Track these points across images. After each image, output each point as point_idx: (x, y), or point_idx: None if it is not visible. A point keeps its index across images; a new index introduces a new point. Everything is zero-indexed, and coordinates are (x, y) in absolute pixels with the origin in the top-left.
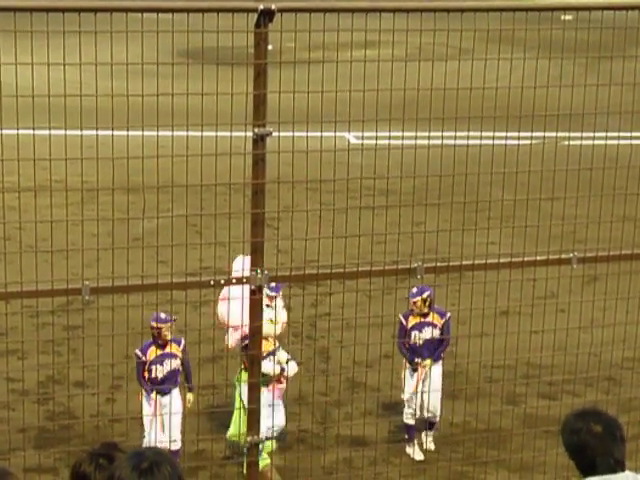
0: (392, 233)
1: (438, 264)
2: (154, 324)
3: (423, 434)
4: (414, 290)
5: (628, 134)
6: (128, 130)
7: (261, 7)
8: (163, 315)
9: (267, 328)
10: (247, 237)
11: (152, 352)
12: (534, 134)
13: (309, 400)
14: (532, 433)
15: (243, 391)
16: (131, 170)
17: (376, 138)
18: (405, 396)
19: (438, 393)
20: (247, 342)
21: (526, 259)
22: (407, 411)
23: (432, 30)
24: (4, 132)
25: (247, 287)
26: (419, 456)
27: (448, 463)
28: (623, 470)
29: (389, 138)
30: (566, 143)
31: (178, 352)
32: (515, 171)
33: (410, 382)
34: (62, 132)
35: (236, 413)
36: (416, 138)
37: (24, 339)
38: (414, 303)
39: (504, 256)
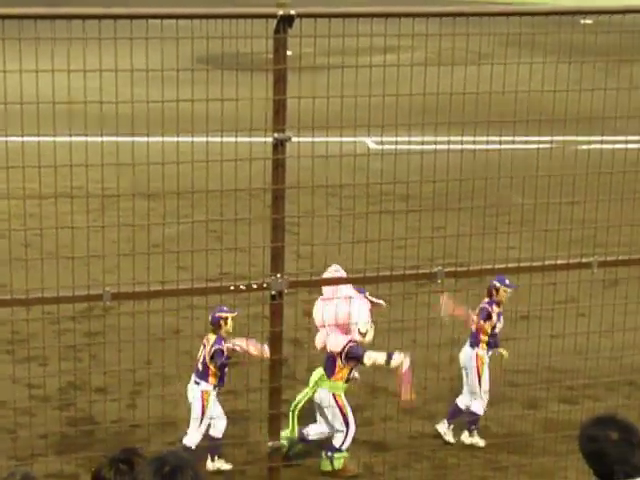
0: (412, 237)
1: (458, 269)
2: (222, 314)
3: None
4: (507, 281)
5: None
6: (148, 136)
7: (281, 13)
8: (226, 308)
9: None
10: (267, 242)
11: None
12: (554, 138)
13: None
14: (553, 438)
15: (323, 397)
16: (151, 176)
17: (396, 143)
18: (486, 386)
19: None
20: (350, 345)
21: (546, 263)
22: (485, 401)
23: (451, 35)
24: (25, 139)
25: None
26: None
27: (469, 468)
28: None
29: (409, 143)
30: (586, 147)
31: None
32: (535, 174)
33: (487, 371)
34: (83, 139)
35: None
36: (436, 143)
37: (45, 345)
38: (499, 292)
39: (524, 260)
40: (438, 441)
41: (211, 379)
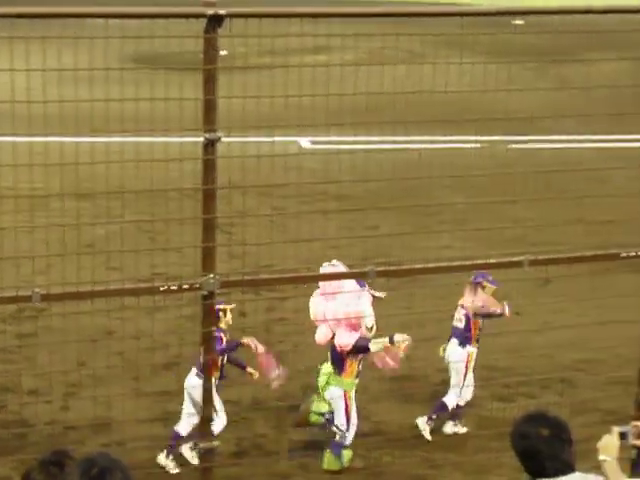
0: (345, 237)
1: (389, 268)
2: (220, 306)
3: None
4: (490, 277)
5: (579, 137)
6: (79, 136)
7: (210, 12)
8: (223, 300)
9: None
10: (199, 243)
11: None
12: (485, 138)
13: (265, 406)
14: (487, 435)
15: (335, 394)
16: (81, 176)
17: (348, 143)
18: (471, 382)
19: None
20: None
21: (478, 262)
22: (467, 396)
23: (381, 35)
24: None
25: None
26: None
27: (404, 467)
28: (572, 471)
29: (359, 142)
30: (518, 146)
31: None
32: (468, 175)
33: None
34: (10, 139)
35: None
36: (393, 142)
37: None
38: (485, 289)
39: (458, 259)
40: (373, 439)
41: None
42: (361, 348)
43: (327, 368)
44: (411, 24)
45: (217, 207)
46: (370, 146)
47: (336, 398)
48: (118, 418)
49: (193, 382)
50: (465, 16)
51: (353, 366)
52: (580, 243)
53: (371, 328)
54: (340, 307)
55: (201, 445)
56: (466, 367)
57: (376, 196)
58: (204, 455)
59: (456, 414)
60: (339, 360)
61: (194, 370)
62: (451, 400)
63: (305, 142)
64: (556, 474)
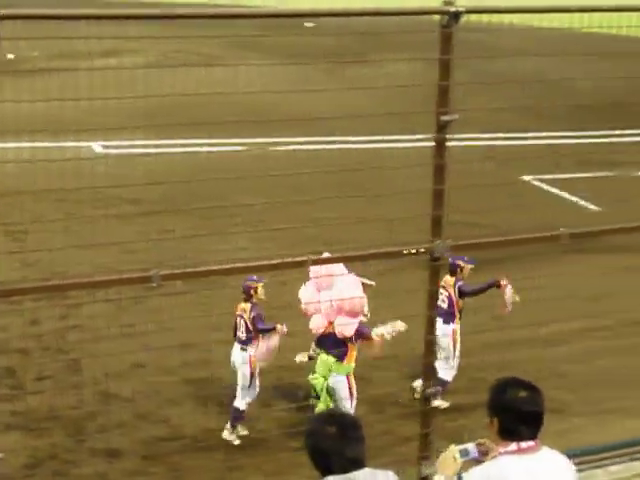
0: (137, 241)
1: (176, 271)
2: (252, 283)
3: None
4: (466, 257)
5: (367, 138)
6: None
7: None
8: (255, 277)
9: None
10: None
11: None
12: (277, 139)
13: (61, 414)
14: (286, 435)
15: (339, 382)
16: None
17: (134, 146)
18: (458, 356)
19: None
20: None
21: (262, 263)
22: (455, 370)
23: (170, 37)
24: None
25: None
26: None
27: (206, 469)
28: (361, 468)
29: (150, 146)
30: (304, 147)
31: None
32: (252, 175)
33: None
34: None
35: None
36: (183, 145)
37: None
38: (463, 269)
39: (253, 260)
40: (173, 443)
41: (255, 343)
42: (362, 334)
43: (325, 360)
44: (205, 27)
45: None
46: (162, 150)
47: (340, 383)
48: None
49: (239, 357)
50: (255, 18)
51: (354, 352)
52: (376, 240)
53: (366, 314)
54: (336, 295)
55: None
56: (454, 342)
57: (171, 200)
58: None
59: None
60: (340, 347)
61: (237, 345)
62: (447, 374)
63: (98, 147)
64: (344, 471)
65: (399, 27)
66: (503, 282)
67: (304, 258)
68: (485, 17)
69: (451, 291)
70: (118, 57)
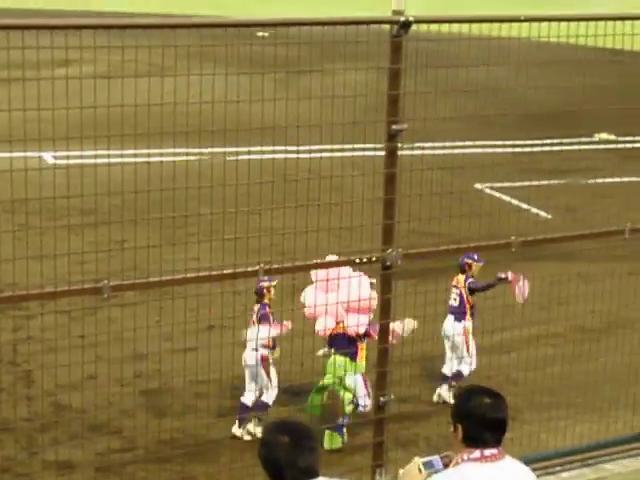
0: (89, 252)
1: (126, 282)
2: (265, 284)
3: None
4: (476, 256)
5: (319, 147)
6: None
7: None
8: (267, 277)
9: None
10: None
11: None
12: (230, 149)
13: (13, 426)
14: (240, 446)
15: (357, 380)
16: None
17: (78, 157)
18: (474, 351)
19: None
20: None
21: (214, 273)
22: (474, 365)
23: (127, 47)
24: None
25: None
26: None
27: None
28: (315, 477)
29: (101, 156)
30: (258, 157)
31: None
32: (204, 185)
33: (472, 339)
34: None
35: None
36: (134, 155)
37: None
38: (472, 267)
39: (206, 270)
40: (128, 455)
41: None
42: (371, 332)
43: (339, 360)
44: (156, 37)
45: None
46: (115, 160)
47: (358, 382)
48: None
49: (251, 359)
50: (207, 27)
51: (364, 349)
52: (330, 249)
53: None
54: (345, 296)
55: None
56: (466, 338)
57: (122, 210)
58: None
59: (455, 379)
60: (351, 346)
61: (249, 345)
62: (465, 369)
63: (48, 157)
64: None
65: (354, 37)
66: (509, 277)
67: (256, 268)
68: (434, 27)
69: (462, 289)
70: (69, 67)
